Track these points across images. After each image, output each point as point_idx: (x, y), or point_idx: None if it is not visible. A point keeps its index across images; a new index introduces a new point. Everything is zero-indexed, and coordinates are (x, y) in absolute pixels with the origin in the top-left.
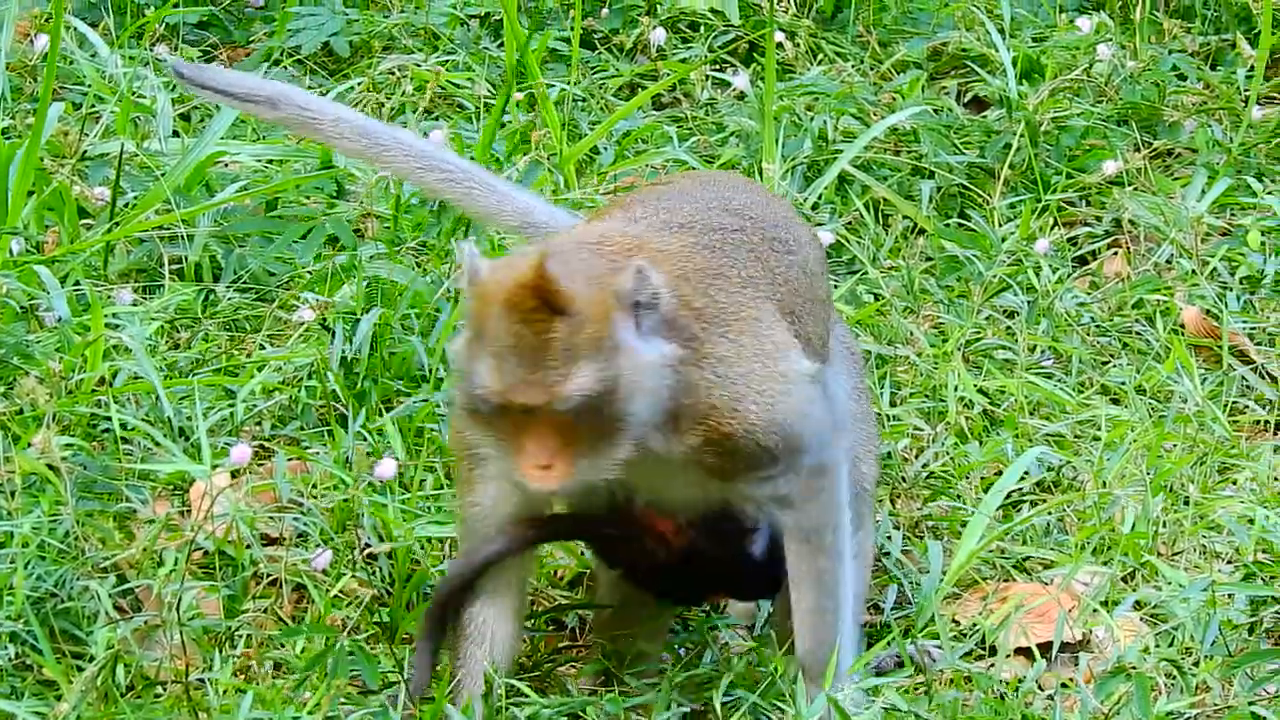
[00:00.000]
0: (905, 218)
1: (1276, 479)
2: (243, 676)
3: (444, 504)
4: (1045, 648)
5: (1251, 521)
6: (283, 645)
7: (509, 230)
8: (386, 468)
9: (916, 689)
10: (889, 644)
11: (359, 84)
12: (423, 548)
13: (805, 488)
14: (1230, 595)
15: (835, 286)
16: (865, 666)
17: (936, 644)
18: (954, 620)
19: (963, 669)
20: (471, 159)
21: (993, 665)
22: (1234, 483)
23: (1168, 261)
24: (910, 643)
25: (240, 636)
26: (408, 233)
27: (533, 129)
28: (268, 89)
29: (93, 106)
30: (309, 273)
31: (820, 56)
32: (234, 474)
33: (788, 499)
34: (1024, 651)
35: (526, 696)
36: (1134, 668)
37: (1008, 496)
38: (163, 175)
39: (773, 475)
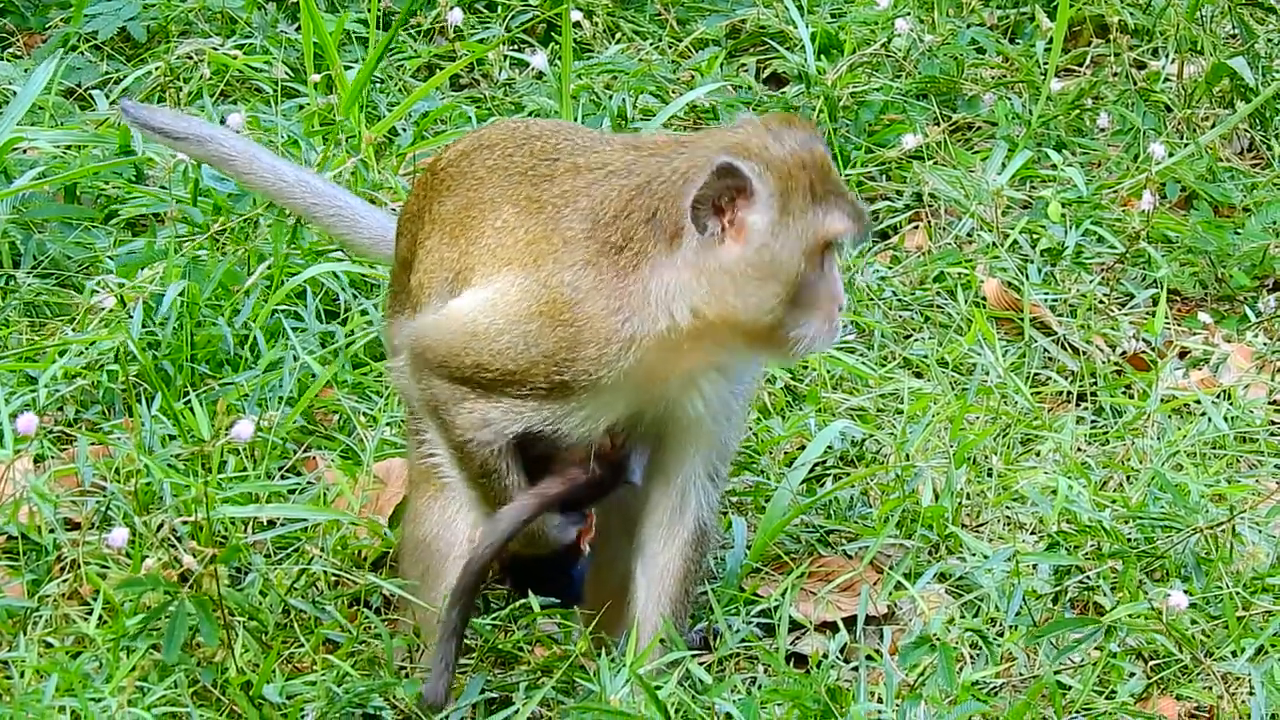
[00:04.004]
0: None
1: (1078, 450)
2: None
3: (250, 486)
4: (850, 621)
5: (1054, 492)
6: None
7: (385, 259)
8: (243, 428)
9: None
10: (697, 621)
11: (156, 69)
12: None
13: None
14: (1034, 565)
15: None
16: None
17: (740, 619)
18: (755, 594)
19: (752, 646)
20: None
21: (797, 640)
22: (1037, 454)
23: (969, 235)
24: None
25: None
26: (209, 215)
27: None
28: (197, 129)
29: None
30: (110, 257)
31: (618, 35)
32: (37, 460)
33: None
34: (829, 625)
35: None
36: (938, 638)
37: (811, 471)
38: None
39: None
